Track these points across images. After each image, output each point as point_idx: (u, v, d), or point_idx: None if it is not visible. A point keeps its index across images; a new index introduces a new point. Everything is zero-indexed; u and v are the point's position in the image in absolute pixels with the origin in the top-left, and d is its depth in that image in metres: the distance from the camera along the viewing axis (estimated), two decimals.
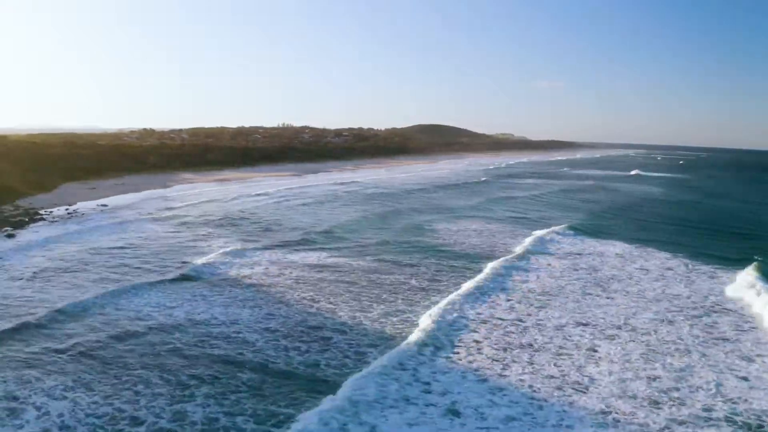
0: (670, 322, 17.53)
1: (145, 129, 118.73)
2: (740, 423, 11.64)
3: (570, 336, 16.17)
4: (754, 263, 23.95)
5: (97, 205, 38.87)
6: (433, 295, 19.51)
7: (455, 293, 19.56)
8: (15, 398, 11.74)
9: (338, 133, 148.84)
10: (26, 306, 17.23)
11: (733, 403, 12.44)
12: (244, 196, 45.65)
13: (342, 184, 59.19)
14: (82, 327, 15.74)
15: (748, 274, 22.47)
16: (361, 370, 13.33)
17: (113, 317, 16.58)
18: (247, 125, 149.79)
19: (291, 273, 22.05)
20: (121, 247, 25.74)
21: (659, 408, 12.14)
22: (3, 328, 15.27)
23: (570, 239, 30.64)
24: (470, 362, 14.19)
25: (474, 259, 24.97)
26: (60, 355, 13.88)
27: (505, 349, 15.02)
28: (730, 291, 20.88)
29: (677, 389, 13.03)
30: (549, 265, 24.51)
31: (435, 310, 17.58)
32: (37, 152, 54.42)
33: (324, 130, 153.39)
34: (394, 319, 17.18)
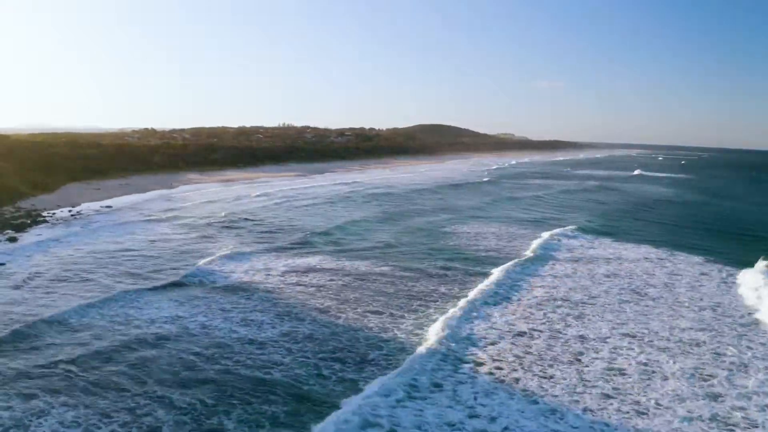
0: (719, 333, 16.48)
1: (146, 129, 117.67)
2: None
3: (618, 349, 15.08)
4: None
5: (101, 206, 37.71)
6: (458, 302, 18.37)
7: (481, 299, 18.58)
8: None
9: (340, 132, 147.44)
10: (29, 314, 16.12)
11: None
12: (250, 197, 44.51)
13: (346, 184, 58.11)
14: (78, 338, 14.60)
15: None
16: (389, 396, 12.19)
17: (117, 326, 15.47)
18: (247, 125, 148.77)
19: (311, 279, 20.99)
20: (126, 250, 24.68)
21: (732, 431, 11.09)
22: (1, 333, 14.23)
23: (596, 241, 29.79)
24: (515, 380, 13.08)
25: (496, 261, 23.86)
26: (52, 369, 12.80)
27: (550, 365, 13.92)
28: None
29: (743, 408, 12.01)
30: (575, 270, 23.41)
31: (461, 321, 16.52)
32: (40, 152, 53.09)
33: (326, 130, 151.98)
34: (420, 331, 16.05)
